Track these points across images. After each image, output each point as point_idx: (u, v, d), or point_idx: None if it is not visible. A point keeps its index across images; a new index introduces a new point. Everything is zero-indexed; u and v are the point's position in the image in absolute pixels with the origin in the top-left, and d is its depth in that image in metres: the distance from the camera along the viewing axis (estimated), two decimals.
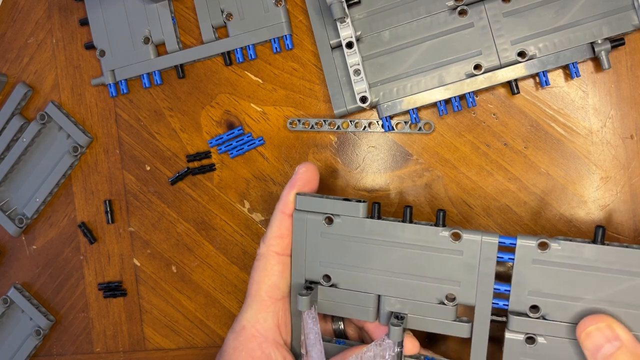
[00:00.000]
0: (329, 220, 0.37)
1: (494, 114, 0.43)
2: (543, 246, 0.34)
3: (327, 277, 0.38)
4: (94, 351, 0.51)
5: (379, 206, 0.37)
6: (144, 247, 0.49)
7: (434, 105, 0.43)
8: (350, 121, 0.44)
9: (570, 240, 0.34)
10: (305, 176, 0.39)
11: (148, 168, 0.49)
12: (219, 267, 0.48)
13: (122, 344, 0.50)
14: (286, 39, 0.45)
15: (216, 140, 0.47)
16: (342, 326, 0.42)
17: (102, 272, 0.50)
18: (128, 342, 0.50)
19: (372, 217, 0.37)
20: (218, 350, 0.49)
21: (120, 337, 0.50)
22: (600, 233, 0.34)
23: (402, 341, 0.36)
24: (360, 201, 0.37)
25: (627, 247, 0.33)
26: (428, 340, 0.45)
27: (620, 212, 0.41)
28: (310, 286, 0.38)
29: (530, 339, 0.35)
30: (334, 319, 0.42)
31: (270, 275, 0.38)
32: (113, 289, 0.50)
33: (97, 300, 0.50)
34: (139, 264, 0.49)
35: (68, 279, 0.51)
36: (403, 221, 0.36)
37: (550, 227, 0.42)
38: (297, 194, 0.38)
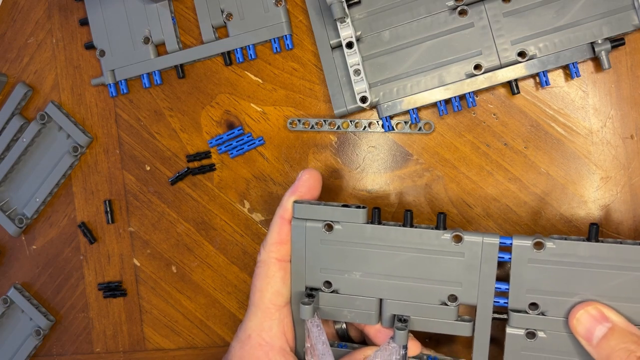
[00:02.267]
0: (329, 227, 0.37)
1: (494, 114, 0.43)
2: (538, 245, 0.34)
3: (328, 284, 0.38)
4: (94, 351, 0.51)
5: (379, 211, 0.37)
6: (144, 247, 0.49)
7: (434, 105, 0.43)
8: (350, 121, 0.44)
9: (565, 239, 0.34)
10: (308, 183, 0.38)
11: (148, 168, 0.49)
12: (219, 267, 0.48)
13: (122, 344, 0.50)
14: (286, 39, 0.45)
15: (216, 140, 0.47)
16: (344, 326, 0.42)
17: (102, 272, 0.50)
18: (128, 342, 0.50)
19: (372, 222, 0.37)
20: (218, 350, 0.49)
21: (120, 337, 0.50)
22: (593, 230, 0.34)
23: (407, 344, 0.36)
24: (360, 207, 0.36)
25: (620, 243, 0.34)
26: (428, 340, 0.45)
27: (621, 212, 0.41)
28: (311, 293, 0.37)
29: (531, 334, 0.36)
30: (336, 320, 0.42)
31: (273, 282, 0.37)
32: (113, 289, 0.50)
33: (97, 300, 0.50)
34: (139, 264, 0.49)
35: (68, 279, 0.51)
36: (404, 225, 0.36)
37: (550, 227, 0.42)
38: (295, 201, 0.37)
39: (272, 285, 0.37)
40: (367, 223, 0.37)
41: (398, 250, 0.36)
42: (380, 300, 0.37)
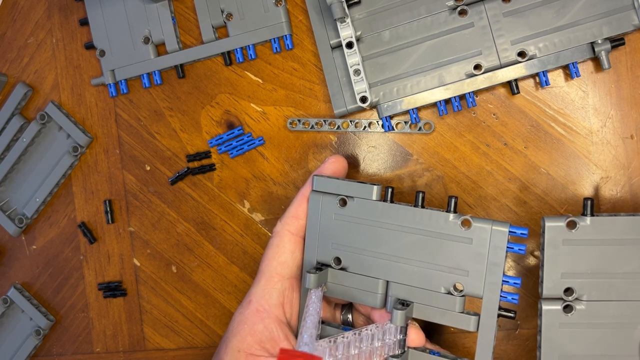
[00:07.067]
0: (343, 202, 0.38)
1: (494, 114, 0.43)
2: (571, 225, 0.34)
3: (337, 260, 0.38)
4: (93, 351, 0.51)
5: (392, 190, 0.37)
6: (144, 247, 0.49)
7: (434, 105, 0.43)
8: (350, 121, 0.44)
9: (598, 215, 0.34)
10: (333, 166, 0.40)
11: (148, 168, 0.49)
12: (219, 267, 0.48)
13: (122, 344, 0.50)
14: (286, 39, 0.45)
15: (216, 140, 0.47)
16: (350, 318, 0.42)
17: (102, 272, 0.50)
18: (128, 342, 0.50)
19: (384, 200, 0.37)
20: None
21: (120, 337, 0.50)
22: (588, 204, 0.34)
23: (405, 327, 0.36)
24: (374, 184, 0.37)
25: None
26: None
27: (620, 212, 0.41)
28: (320, 267, 0.38)
29: (568, 308, 0.35)
30: (343, 310, 0.42)
31: (281, 252, 0.38)
32: (113, 289, 0.50)
33: (97, 300, 0.50)
34: (139, 264, 0.49)
35: (68, 279, 0.51)
36: (415, 206, 0.36)
37: None
38: (314, 175, 0.39)
39: (280, 255, 0.38)
40: (380, 201, 0.37)
41: (407, 231, 0.36)
42: (387, 283, 0.38)
